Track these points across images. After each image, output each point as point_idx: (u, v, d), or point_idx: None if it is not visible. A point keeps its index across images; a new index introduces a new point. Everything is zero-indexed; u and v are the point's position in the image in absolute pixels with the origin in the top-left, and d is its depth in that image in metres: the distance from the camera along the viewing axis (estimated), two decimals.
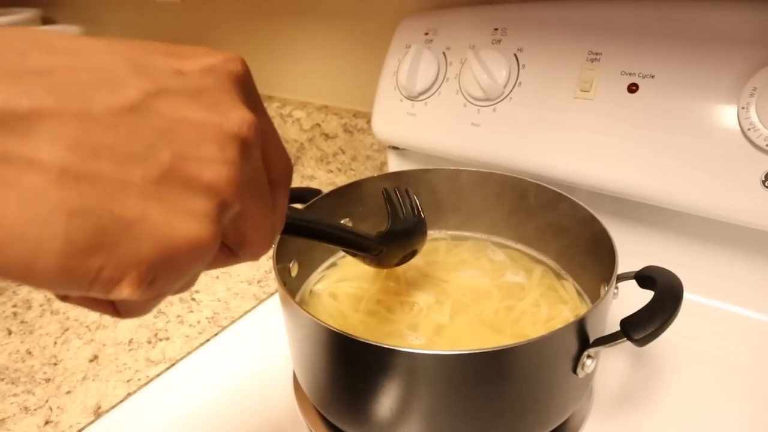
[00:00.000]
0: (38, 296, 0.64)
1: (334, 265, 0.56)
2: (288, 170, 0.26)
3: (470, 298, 0.51)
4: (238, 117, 0.21)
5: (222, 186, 0.20)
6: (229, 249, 0.25)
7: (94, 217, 0.17)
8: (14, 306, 0.63)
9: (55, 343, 0.57)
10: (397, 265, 0.48)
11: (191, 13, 1.03)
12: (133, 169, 0.18)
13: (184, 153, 0.19)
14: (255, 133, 0.22)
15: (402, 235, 0.48)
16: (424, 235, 0.50)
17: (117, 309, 0.22)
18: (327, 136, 0.87)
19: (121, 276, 0.18)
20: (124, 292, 0.19)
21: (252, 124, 0.21)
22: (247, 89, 0.23)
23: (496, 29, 0.61)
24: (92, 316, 0.60)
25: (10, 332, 0.59)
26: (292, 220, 0.34)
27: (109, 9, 1.19)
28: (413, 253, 0.49)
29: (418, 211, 0.50)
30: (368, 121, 0.79)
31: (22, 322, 0.60)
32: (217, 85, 0.21)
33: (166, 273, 0.20)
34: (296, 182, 0.89)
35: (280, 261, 0.45)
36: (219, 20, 0.98)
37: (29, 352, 0.56)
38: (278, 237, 0.28)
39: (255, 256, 0.26)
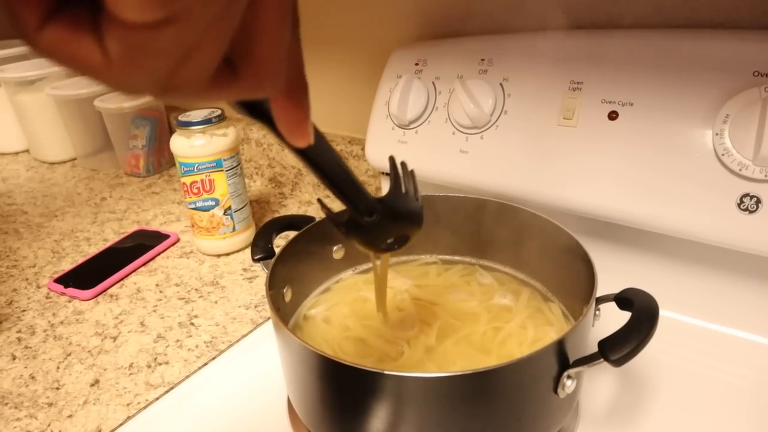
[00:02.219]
0: (42, 322, 0.66)
1: (327, 290, 0.57)
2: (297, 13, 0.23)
3: (459, 321, 0.52)
4: None
5: None
6: (230, 69, 0.21)
7: None
8: (18, 332, 0.65)
9: (58, 367, 0.59)
10: (385, 250, 0.44)
11: None
12: None
13: None
14: None
15: (399, 208, 0.43)
16: (419, 222, 0.45)
17: (106, 52, 0.17)
18: None
19: None
20: None
21: None
22: None
23: (482, 60, 0.63)
24: (94, 341, 0.62)
25: (14, 357, 0.61)
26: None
27: None
28: (405, 240, 0.44)
29: (419, 195, 0.45)
30: (363, 148, 0.81)
31: (26, 347, 0.62)
32: None
33: None
34: (294, 208, 0.91)
35: (274, 287, 0.47)
36: None
37: (32, 377, 0.58)
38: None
39: (259, 79, 0.22)
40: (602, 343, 0.39)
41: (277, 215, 0.88)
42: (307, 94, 0.26)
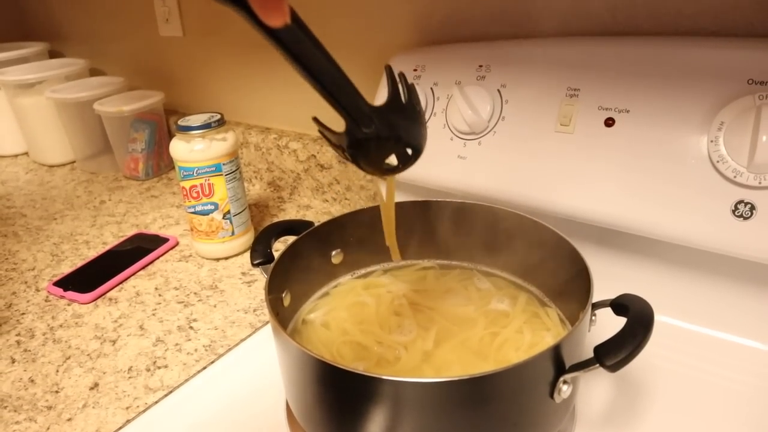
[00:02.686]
0: (41, 325, 0.67)
1: (326, 294, 0.58)
2: None
3: (456, 325, 0.53)
4: None
5: None
6: None
7: None
8: (18, 335, 0.65)
9: (57, 371, 0.59)
10: (388, 171, 0.40)
11: (193, 46, 1.06)
12: None
13: None
14: None
15: (398, 118, 0.39)
16: (422, 135, 0.41)
17: None
18: (322, 167, 0.89)
19: None
20: None
21: None
22: None
23: (480, 66, 0.64)
24: (93, 344, 0.62)
25: (13, 360, 0.61)
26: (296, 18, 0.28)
27: (115, 43, 1.23)
28: (406, 157, 0.40)
29: (420, 108, 0.41)
30: None
31: (25, 350, 0.62)
32: None
33: None
34: (292, 212, 0.91)
35: (273, 291, 0.47)
36: (219, 54, 1.02)
37: (32, 380, 0.58)
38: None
39: None
40: (598, 349, 0.39)
41: (276, 219, 0.88)
42: None
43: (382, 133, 0.37)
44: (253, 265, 0.51)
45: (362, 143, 0.37)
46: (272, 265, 0.49)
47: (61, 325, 0.66)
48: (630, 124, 0.54)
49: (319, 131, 0.37)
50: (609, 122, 0.55)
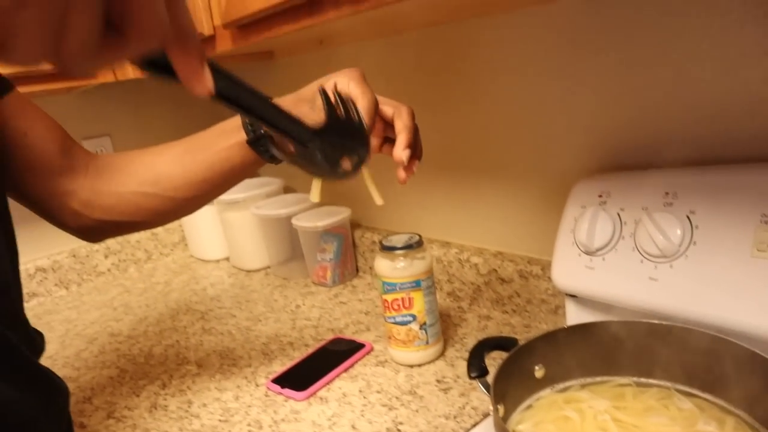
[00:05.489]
0: (266, 418, 0.77)
1: (530, 407, 0.62)
2: None
3: None
4: None
5: None
6: (117, 32, 0.24)
7: None
8: (248, 425, 0.76)
9: None
10: (342, 175, 0.52)
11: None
12: None
13: None
14: None
15: (338, 129, 0.50)
16: (364, 140, 0.53)
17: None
18: (503, 281, 0.96)
19: None
20: None
21: None
22: None
23: (667, 193, 0.68)
24: None
25: None
26: (215, 67, 0.33)
27: None
28: (354, 162, 0.52)
29: (359, 117, 0.53)
30: (542, 268, 0.87)
31: None
32: None
33: None
34: (474, 322, 0.98)
35: (496, 403, 0.53)
36: None
37: None
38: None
39: (142, 33, 0.24)
40: None
41: (459, 329, 0.95)
42: (195, 41, 0.28)
43: (324, 146, 0.48)
44: (470, 377, 0.58)
45: (310, 153, 0.47)
46: (492, 378, 0.55)
47: (282, 419, 0.76)
48: None
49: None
50: None
